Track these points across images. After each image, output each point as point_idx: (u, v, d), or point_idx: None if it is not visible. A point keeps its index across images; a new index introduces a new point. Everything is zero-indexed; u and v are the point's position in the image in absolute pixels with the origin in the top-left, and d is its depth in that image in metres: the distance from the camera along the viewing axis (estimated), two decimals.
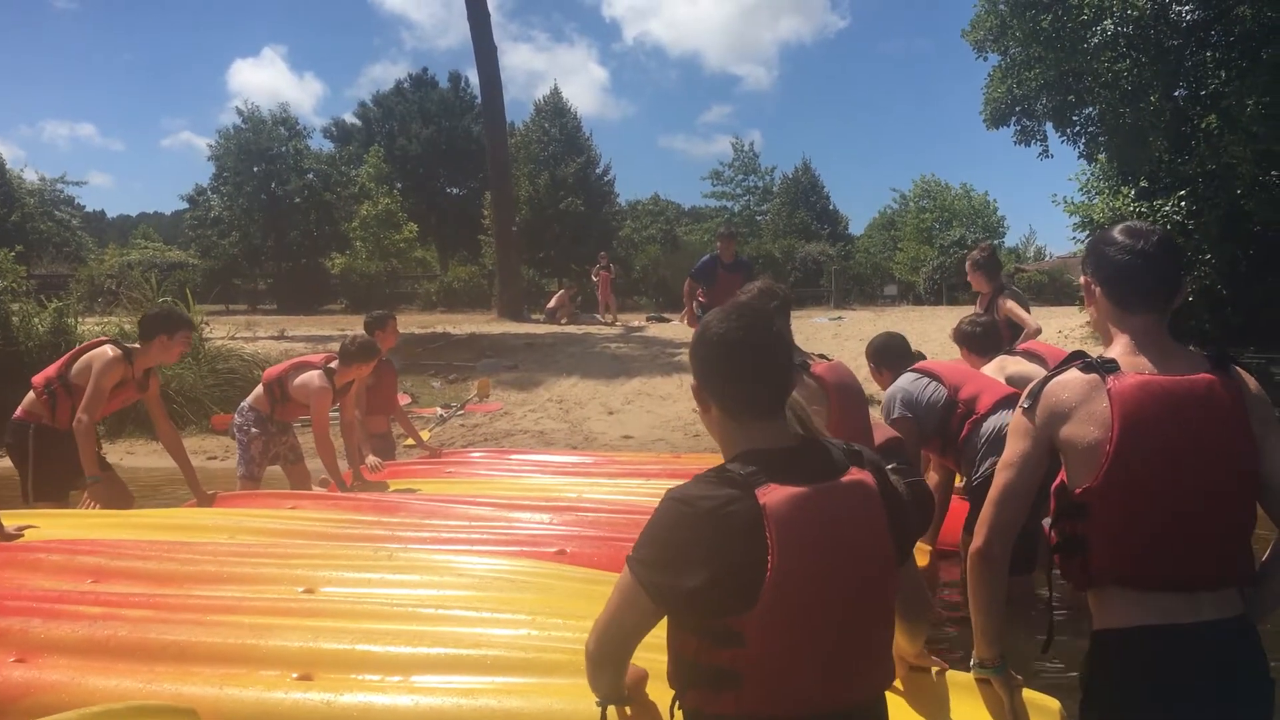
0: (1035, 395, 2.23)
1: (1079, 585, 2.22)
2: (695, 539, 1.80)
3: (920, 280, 40.77)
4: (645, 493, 5.93)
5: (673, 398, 12.93)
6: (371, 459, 7.04)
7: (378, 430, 7.95)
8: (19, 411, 5.97)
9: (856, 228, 55.02)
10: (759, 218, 51.88)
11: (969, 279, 7.29)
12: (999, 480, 2.28)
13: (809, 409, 2.14)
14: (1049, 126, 16.88)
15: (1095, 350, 2.30)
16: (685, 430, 11.58)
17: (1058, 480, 2.22)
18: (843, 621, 1.85)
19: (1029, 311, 6.86)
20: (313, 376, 6.60)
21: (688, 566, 1.79)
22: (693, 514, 1.82)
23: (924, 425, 5.20)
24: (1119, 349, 2.21)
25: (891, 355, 5.80)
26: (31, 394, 5.97)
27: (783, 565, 1.77)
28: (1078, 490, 2.13)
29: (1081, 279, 2.35)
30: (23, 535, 4.74)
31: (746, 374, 1.93)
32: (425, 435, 9.42)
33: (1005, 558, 2.29)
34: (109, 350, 5.90)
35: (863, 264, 45.16)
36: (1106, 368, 2.15)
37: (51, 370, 6.02)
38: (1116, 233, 2.27)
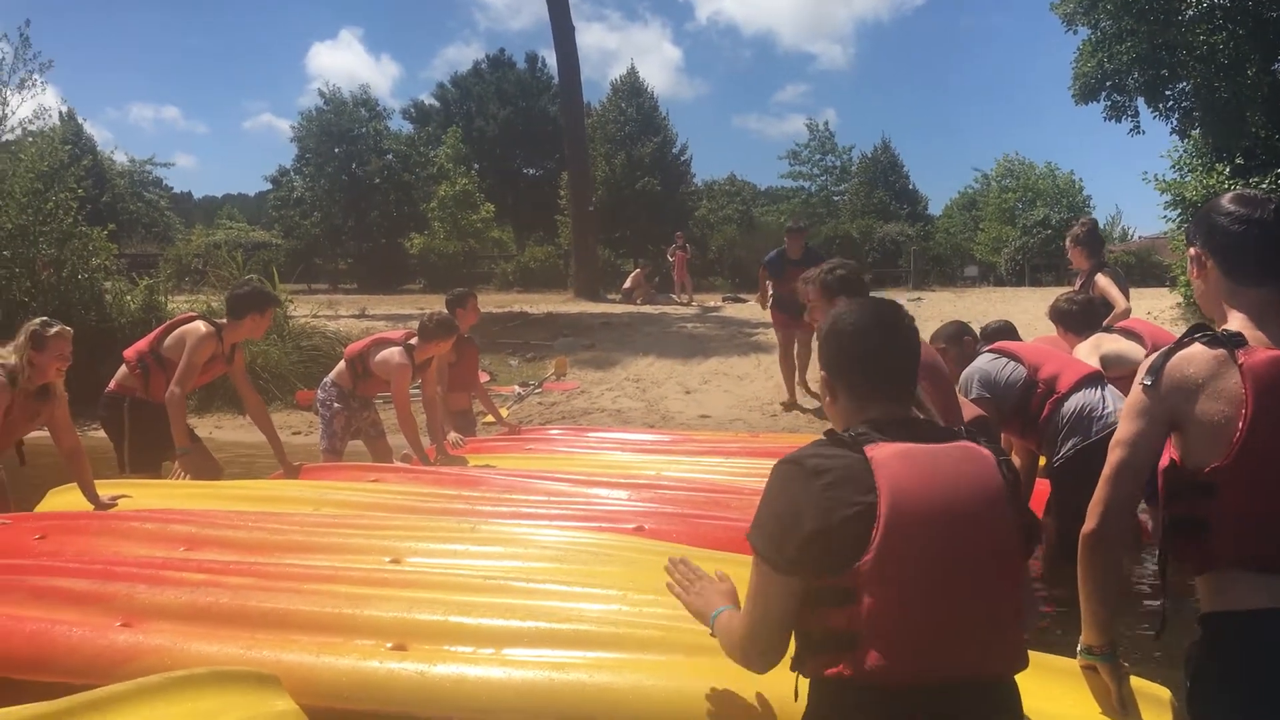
0: (1157, 371, 2.11)
1: (1197, 568, 2.12)
2: (805, 491, 1.83)
3: (1002, 261, 39.99)
4: (725, 471, 5.91)
5: (750, 378, 12.83)
6: (452, 435, 7.11)
7: (459, 407, 8.03)
8: (112, 385, 6.13)
9: (936, 208, 54.14)
10: (836, 198, 51.25)
11: (1069, 255, 7.08)
12: (1114, 458, 2.18)
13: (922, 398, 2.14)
14: (1140, 101, 16.39)
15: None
16: (763, 410, 11.50)
17: (1166, 460, 2.13)
18: (960, 580, 1.83)
19: (1126, 291, 6.64)
20: (393, 353, 6.67)
21: (799, 519, 1.82)
22: (801, 470, 1.86)
23: (1002, 406, 5.09)
24: (1237, 324, 2.10)
25: (956, 340, 5.68)
26: (124, 367, 6.13)
27: (891, 511, 1.78)
28: (1205, 469, 2.04)
29: (1190, 251, 2.23)
30: (116, 505, 4.87)
31: (873, 360, 2.00)
32: (504, 413, 9.49)
33: (1120, 539, 2.21)
34: (201, 326, 6.04)
35: (942, 244, 44.38)
36: (1234, 342, 2.04)
37: (144, 344, 6.17)
38: (1228, 201, 2.15)
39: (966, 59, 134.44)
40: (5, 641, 2.99)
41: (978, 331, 6.13)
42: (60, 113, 35.48)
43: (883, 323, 2.03)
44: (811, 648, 1.89)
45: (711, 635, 2.21)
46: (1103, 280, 6.61)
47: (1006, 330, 6.27)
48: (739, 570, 3.54)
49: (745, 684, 2.39)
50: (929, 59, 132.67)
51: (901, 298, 21.05)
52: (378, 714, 2.64)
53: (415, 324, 7.04)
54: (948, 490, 1.84)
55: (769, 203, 53.73)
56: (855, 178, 50.78)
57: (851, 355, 2.02)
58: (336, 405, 6.89)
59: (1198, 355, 2.08)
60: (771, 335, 15.28)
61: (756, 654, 2.00)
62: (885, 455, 1.83)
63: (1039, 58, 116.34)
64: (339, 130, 40.83)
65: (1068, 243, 7.01)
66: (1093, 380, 5.02)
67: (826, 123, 58.65)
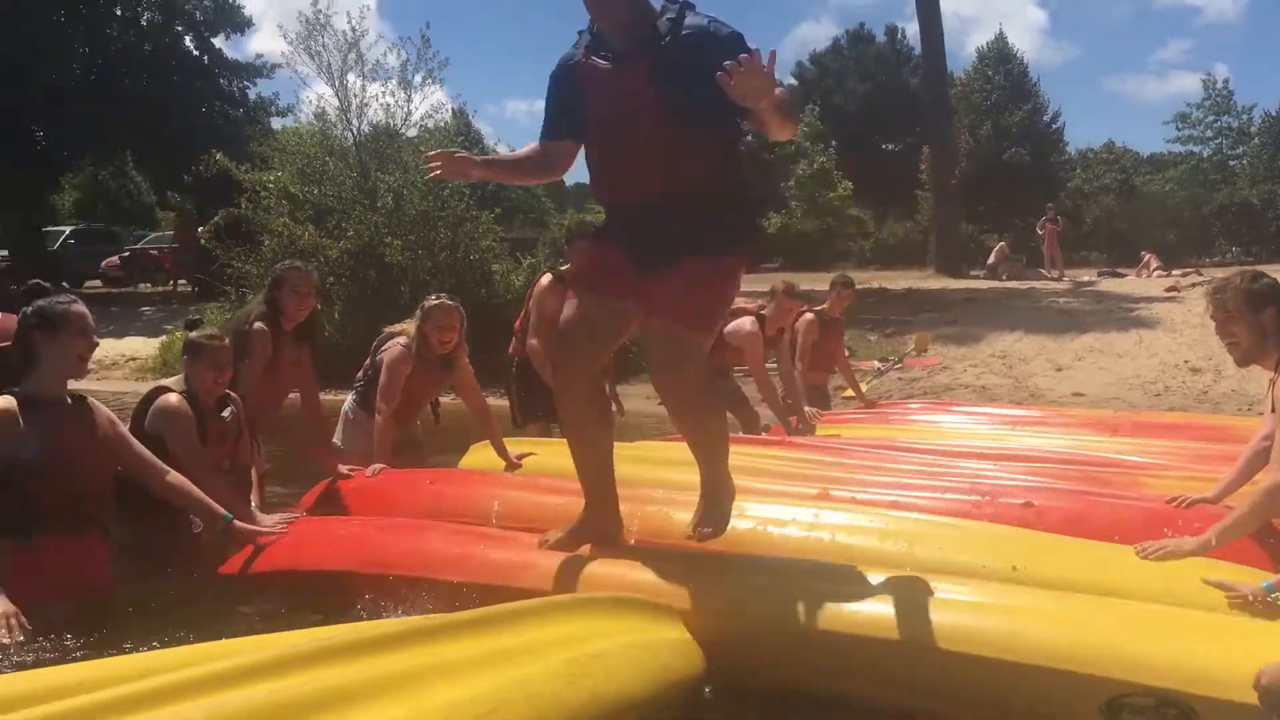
0: None
1: None
2: None
3: None
4: (1108, 448, 5.44)
5: (1130, 355, 11.97)
6: (809, 409, 7.11)
7: (818, 383, 8.06)
8: (510, 347, 6.65)
9: None
10: (1232, 162, 46.45)
11: None
12: None
13: None
14: None
15: None
16: (1145, 389, 10.69)
17: None
18: None
19: None
20: (744, 321, 6.74)
21: None
22: None
23: None
24: None
25: None
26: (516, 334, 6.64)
27: None
28: None
29: None
30: (521, 464, 5.22)
31: None
32: (863, 387, 9.40)
33: None
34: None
35: None
36: None
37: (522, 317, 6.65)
38: None
39: None
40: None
41: None
42: (452, 109, 38.92)
43: None
44: None
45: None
46: None
47: None
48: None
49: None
50: None
51: None
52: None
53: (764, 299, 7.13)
54: None
55: (1152, 170, 49.51)
56: (1256, 139, 45.75)
57: None
58: None
59: None
60: (1157, 310, 14.13)
61: None
62: None
63: None
64: None
65: None
66: None
67: (1226, 80, 53.22)
